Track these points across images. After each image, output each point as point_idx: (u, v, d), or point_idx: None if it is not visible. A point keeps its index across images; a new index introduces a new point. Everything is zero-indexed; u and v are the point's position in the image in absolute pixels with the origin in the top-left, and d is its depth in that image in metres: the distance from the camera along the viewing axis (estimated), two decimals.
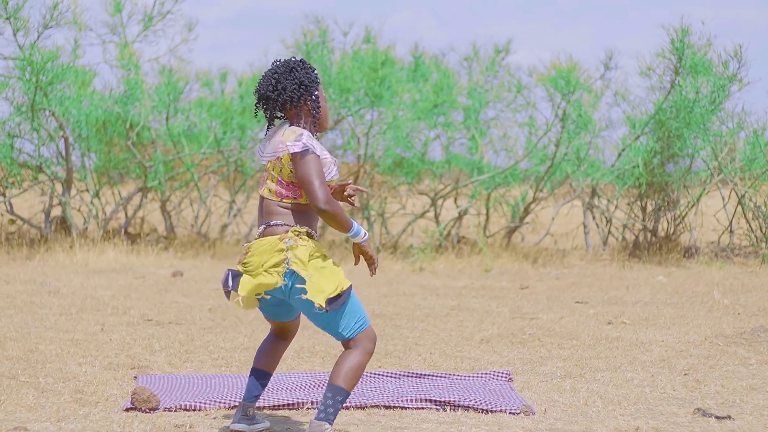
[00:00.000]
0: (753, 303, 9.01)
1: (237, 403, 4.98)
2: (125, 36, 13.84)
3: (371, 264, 4.33)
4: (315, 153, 4.16)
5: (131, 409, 4.84)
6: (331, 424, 4.11)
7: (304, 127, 4.25)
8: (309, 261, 4.12)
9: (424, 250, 12.61)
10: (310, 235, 4.20)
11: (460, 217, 13.85)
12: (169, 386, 5.31)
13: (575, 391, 5.38)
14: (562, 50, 17.31)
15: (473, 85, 13.96)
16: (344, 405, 4.93)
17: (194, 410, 4.90)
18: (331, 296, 4.10)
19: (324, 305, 4.07)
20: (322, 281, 4.10)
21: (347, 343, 4.19)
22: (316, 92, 4.28)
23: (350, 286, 4.17)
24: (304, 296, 4.09)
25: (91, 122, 12.83)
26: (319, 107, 4.28)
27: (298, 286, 4.11)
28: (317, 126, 4.30)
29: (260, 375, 4.48)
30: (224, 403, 4.97)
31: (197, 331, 7.24)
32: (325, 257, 4.19)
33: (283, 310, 4.35)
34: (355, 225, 4.21)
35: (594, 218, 13.89)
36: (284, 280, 4.13)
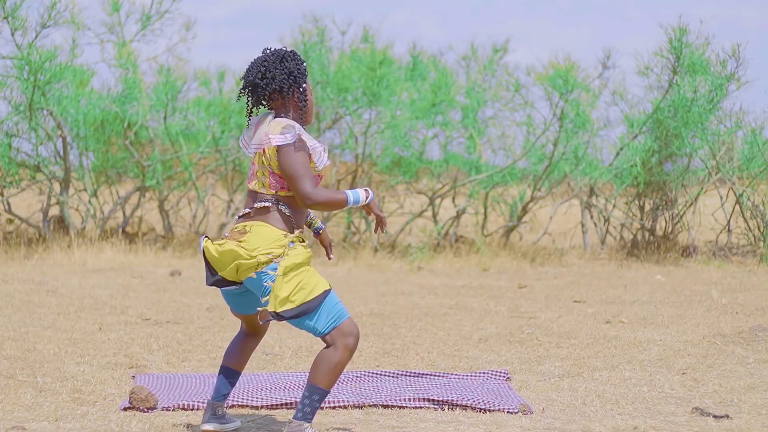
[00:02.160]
0: (751, 302, 9.01)
1: (235, 403, 4.98)
2: (123, 35, 13.84)
3: (379, 223, 4.31)
4: (303, 146, 4.11)
5: (129, 408, 4.84)
6: (309, 422, 4.11)
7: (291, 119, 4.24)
8: (288, 272, 4.09)
9: (423, 249, 12.61)
10: (301, 240, 4.17)
11: (458, 216, 13.85)
12: (167, 385, 5.31)
13: (573, 391, 5.38)
14: (560, 49, 17.39)
15: (471, 84, 13.96)
16: (343, 405, 4.93)
17: (192, 409, 4.89)
18: (288, 307, 4.06)
19: (276, 310, 4.05)
20: (284, 288, 4.07)
21: (324, 339, 4.14)
22: (304, 85, 4.25)
23: (325, 291, 4.11)
24: (263, 298, 4.09)
25: (89, 121, 12.83)
26: (306, 100, 4.24)
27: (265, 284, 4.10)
28: (302, 119, 4.26)
29: (229, 373, 4.45)
30: None
31: (195, 330, 7.24)
32: (301, 266, 4.12)
33: (247, 300, 4.30)
34: (351, 197, 4.18)
35: (592, 217, 13.89)
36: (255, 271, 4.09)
